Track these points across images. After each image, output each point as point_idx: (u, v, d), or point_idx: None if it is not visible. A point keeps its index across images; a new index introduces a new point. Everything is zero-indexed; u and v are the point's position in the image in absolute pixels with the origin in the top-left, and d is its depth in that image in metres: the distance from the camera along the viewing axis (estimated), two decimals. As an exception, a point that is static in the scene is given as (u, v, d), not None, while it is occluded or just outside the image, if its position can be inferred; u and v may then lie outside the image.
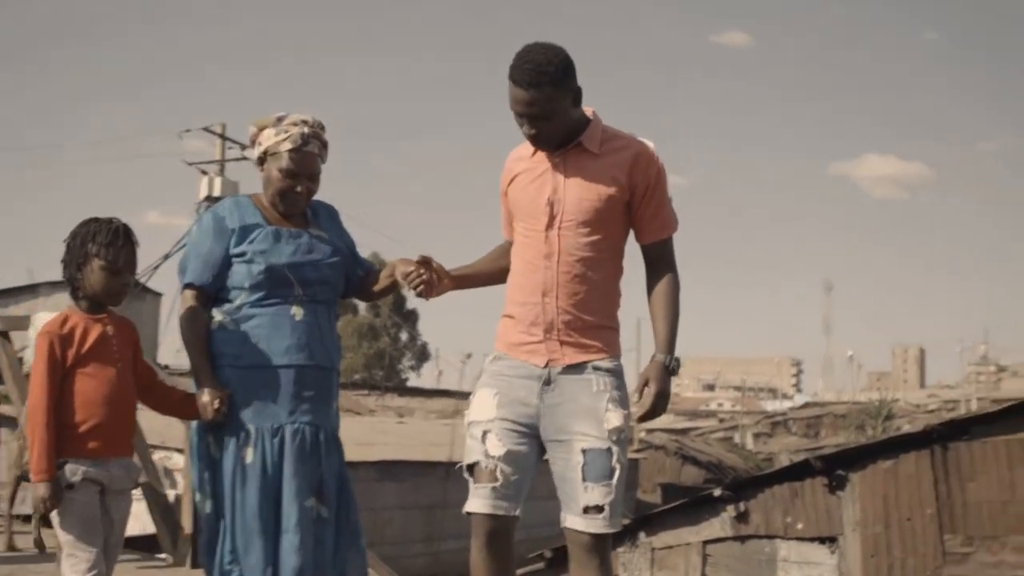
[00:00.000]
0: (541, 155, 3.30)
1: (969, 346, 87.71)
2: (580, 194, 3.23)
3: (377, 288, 3.84)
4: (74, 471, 3.33)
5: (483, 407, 3.26)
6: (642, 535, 13.24)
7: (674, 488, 31.18)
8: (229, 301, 3.62)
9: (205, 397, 3.49)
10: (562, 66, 3.14)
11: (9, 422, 12.47)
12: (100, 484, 3.39)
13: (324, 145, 3.70)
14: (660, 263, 3.35)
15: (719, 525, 12.70)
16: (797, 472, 12.27)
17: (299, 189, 3.64)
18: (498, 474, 3.16)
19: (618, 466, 3.15)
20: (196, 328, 3.60)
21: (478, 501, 3.17)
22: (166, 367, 22.90)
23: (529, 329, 3.26)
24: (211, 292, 3.63)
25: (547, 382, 3.22)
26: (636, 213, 3.29)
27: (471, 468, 3.22)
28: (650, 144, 3.32)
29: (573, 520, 3.15)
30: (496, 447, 3.18)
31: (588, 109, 3.31)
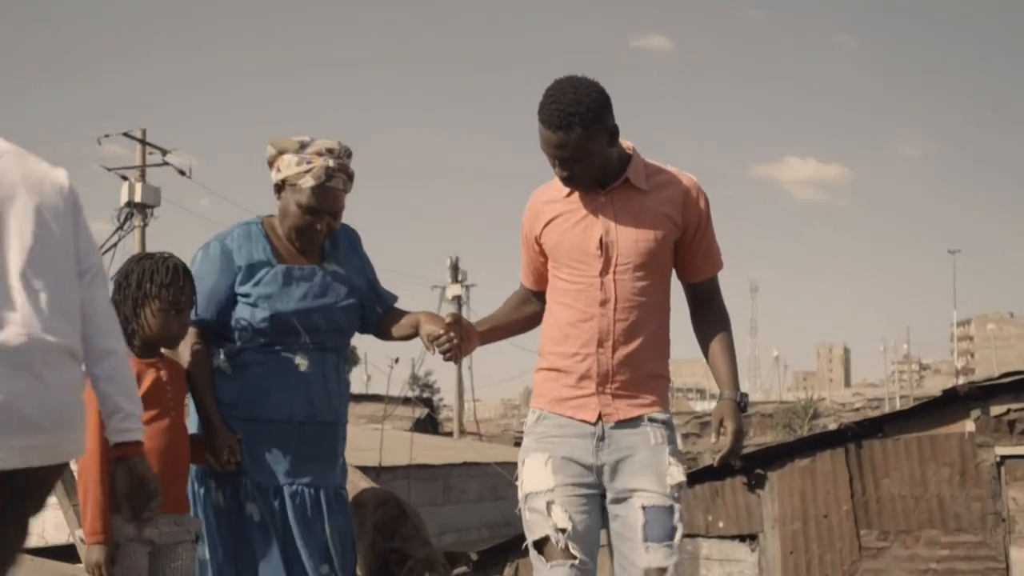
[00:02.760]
0: (578, 194, 3.04)
1: (892, 345, 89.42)
2: (635, 235, 2.99)
3: (397, 334, 3.49)
4: (120, 530, 3.05)
5: (538, 477, 2.96)
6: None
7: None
8: (231, 341, 3.33)
9: (218, 444, 3.24)
10: (593, 106, 2.87)
11: None
12: (150, 542, 3.12)
13: (350, 177, 3.36)
14: (711, 300, 3.17)
15: (642, 525, 12.78)
16: (718, 471, 12.43)
17: (319, 227, 3.31)
18: (572, 551, 2.87)
19: (680, 525, 2.89)
20: (203, 368, 3.31)
21: None
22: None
23: (579, 383, 3.00)
24: (215, 329, 3.33)
25: (600, 438, 2.96)
26: (686, 251, 3.08)
27: (539, 544, 2.92)
28: (694, 177, 3.12)
29: None
30: (563, 519, 2.89)
31: (626, 143, 3.06)
